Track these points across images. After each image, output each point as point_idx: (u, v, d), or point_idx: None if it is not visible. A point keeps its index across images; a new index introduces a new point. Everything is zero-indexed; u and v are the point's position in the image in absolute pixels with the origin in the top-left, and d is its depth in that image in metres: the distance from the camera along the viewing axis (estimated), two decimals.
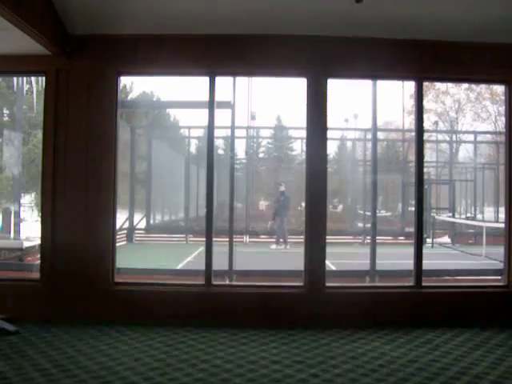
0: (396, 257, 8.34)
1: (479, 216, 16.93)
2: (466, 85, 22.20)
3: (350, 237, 14.73)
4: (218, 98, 5.45)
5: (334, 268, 8.40)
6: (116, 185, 5.31)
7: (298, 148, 21.68)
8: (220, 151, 19.50)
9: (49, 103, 5.24)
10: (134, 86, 22.16)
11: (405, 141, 18.60)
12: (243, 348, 4.42)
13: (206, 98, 5.43)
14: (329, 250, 5.34)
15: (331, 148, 21.12)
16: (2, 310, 4.89)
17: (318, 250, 5.27)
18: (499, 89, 19.44)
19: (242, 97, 12.80)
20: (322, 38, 5.22)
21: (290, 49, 5.27)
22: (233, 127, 9.69)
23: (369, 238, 8.94)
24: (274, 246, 12.03)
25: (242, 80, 13.65)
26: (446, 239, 15.33)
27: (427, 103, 22.10)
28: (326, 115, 5.30)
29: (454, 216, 15.91)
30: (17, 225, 12.16)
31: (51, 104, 5.22)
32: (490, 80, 5.99)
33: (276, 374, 3.80)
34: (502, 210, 13.34)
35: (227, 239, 7.01)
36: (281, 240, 12.80)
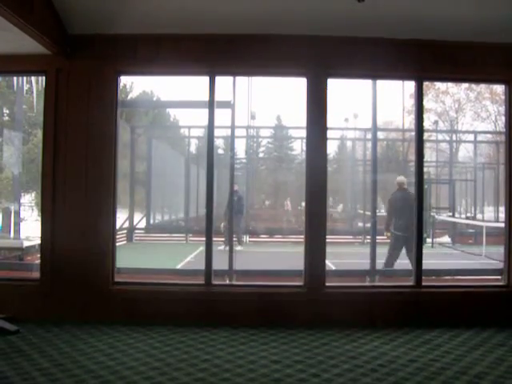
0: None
1: (479, 216, 16.93)
2: (465, 84, 22.23)
3: (350, 236, 14.74)
4: (217, 97, 5.45)
5: (333, 268, 8.39)
6: (116, 184, 5.31)
7: (298, 148, 21.71)
8: (220, 151, 19.52)
9: (49, 103, 5.24)
10: (134, 85, 22.20)
11: (405, 140, 18.60)
12: (243, 348, 4.43)
13: (205, 97, 5.43)
14: (329, 249, 5.34)
15: (331, 148, 21.19)
16: (2, 310, 4.89)
17: (318, 249, 5.27)
18: (499, 88, 19.45)
19: (242, 96, 12.82)
20: (322, 37, 5.22)
21: (290, 48, 5.27)
22: (233, 127, 9.68)
23: (369, 237, 8.92)
24: (221, 247, 11.56)
25: (242, 80, 13.67)
26: (446, 239, 15.33)
27: (427, 103, 22.14)
28: (325, 115, 5.30)
29: (453, 216, 15.91)
30: (17, 224, 12.16)
31: (51, 103, 5.22)
32: (489, 80, 5.98)
33: (276, 373, 3.80)
34: (502, 209, 13.35)
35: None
36: (234, 240, 12.71)
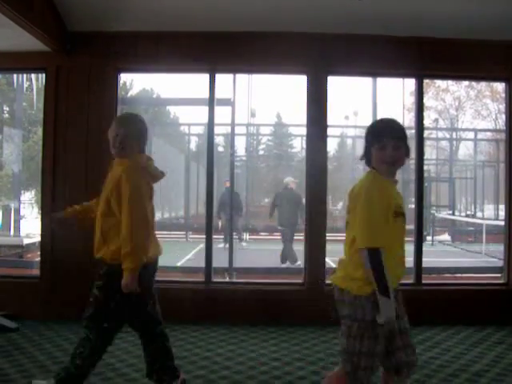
0: None
1: (479, 214, 16.94)
2: (466, 82, 22.22)
3: None
4: (217, 95, 5.44)
5: (334, 265, 8.41)
6: None
7: (298, 145, 21.72)
8: (220, 148, 19.51)
9: (49, 100, 5.23)
10: (134, 83, 22.20)
11: None
12: (243, 345, 4.43)
13: (205, 95, 5.42)
14: (329, 247, 5.34)
15: (331, 145, 21.19)
16: (2, 307, 4.90)
17: (318, 247, 5.27)
18: (499, 86, 19.42)
19: (242, 94, 12.80)
20: (323, 35, 5.21)
21: (290, 46, 5.25)
22: (233, 124, 9.68)
23: None
24: (221, 245, 11.51)
25: (242, 77, 13.64)
26: (446, 237, 15.35)
27: (427, 101, 22.12)
28: (326, 112, 5.29)
29: (453, 214, 15.93)
30: (17, 222, 12.18)
31: (51, 101, 5.21)
32: (490, 77, 5.98)
33: (276, 371, 3.80)
34: (501, 207, 13.36)
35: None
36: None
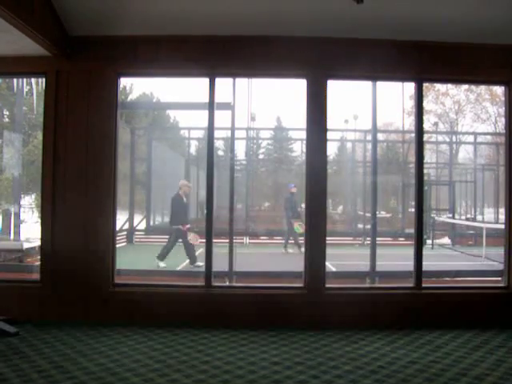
0: (396, 258, 8.35)
1: (479, 217, 16.92)
2: (465, 86, 22.25)
3: (350, 238, 14.73)
4: (217, 99, 5.46)
5: (334, 269, 8.39)
6: (116, 186, 5.31)
7: (298, 149, 21.69)
8: (220, 152, 19.53)
9: (49, 104, 5.24)
10: (134, 87, 22.19)
11: (405, 142, 18.60)
12: (243, 349, 4.42)
13: (205, 99, 5.43)
14: (329, 251, 5.34)
15: (331, 149, 21.14)
16: (2, 312, 4.89)
17: (318, 251, 5.27)
18: (499, 90, 19.46)
19: (241, 98, 12.78)
20: (322, 39, 5.23)
21: (290, 50, 5.27)
22: (233, 128, 9.66)
23: (369, 239, 8.91)
24: (291, 250, 12.08)
25: (241, 81, 13.66)
26: (446, 240, 15.32)
27: (427, 104, 22.15)
28: (325, 116, 5.31)
29: (453, 217, 15.90)
30: (17, 226, 12.15)
31: (51, 105, 5.23)
32: (489, 81, 5.98)
33: (276, 375, 3.80)
34: (502, 211, 13.35)
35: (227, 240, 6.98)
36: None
